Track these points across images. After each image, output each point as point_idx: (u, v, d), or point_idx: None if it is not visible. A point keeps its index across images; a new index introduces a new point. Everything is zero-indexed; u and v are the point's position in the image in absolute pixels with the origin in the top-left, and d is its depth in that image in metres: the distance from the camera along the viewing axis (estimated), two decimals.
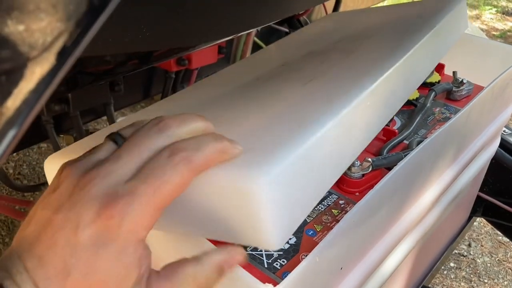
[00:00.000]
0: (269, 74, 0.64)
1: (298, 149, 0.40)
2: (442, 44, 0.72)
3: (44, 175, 1.75)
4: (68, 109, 0.82)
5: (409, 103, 0.79)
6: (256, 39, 1.11)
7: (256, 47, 1.13)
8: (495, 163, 0.93)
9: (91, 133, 0.59)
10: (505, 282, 1.43)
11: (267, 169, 0.36)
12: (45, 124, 0.83)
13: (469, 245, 1.56)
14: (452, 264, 1.48)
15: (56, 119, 0.85)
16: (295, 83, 0.57)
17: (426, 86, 0.83)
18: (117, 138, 0.33)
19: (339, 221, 0.53)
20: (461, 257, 1.52)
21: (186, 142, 0.32)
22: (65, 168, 0.32)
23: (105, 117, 0.94)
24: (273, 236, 0.36)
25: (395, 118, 0.76)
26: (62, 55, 0.16)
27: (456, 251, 1.51)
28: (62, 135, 1.15)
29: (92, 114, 0.95)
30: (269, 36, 1.19)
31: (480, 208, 1.02)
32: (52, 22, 0.16)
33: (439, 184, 0.68)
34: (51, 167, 0.50)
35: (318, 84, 0.55)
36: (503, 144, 0.94)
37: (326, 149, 0.44)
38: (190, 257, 0.33)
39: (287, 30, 1.12)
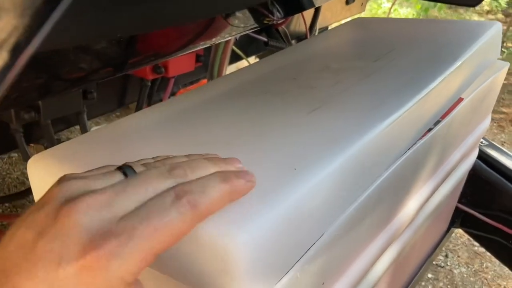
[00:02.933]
0: (276, 89, 0.60)
1: (286, 201, 0.37)
2: (469, 75, 0.69)
3: (14, 185, 1.70)
4: (38, 118, 0.78)
5: None
6: (234, 47, 1.09)
7: (234, 56, 1.11)
8: (473, 174, 0.93)
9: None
10: None
11: (245, 225, 0.34)
12: (13, 133, 0.79)
13: (446, 256, 1.56)
14: (430, 275, 1.48)
15: (26, 127, 0.82)
16: (299, 108, 0.53)
17: None
18: (127, 171, 0.30)
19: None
20: (439, 268, 1.52)
21: (192, 184, 0.30)
22: (63, 182, 0.28)
23: (77, 126, 0.91)
24: None
25: None
26: (15, 51, 0.14)
27: (433, 262, 1.52)
28: (32, 145, 1.11)
29: (64, 123, 0.92)
30: (247, 44, 1.18)
31: (458, 219, 1.02)
32: (5, 18, 0.14)
33: (420, 196, 0.68)
34: (35, 168, 0.47)
35: (323, 115, 0.51)
36: (481, 156, 0.94)
37: (319, 200, 0.41)
38: None
39: (265, 39, 1.11)
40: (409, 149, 0.56)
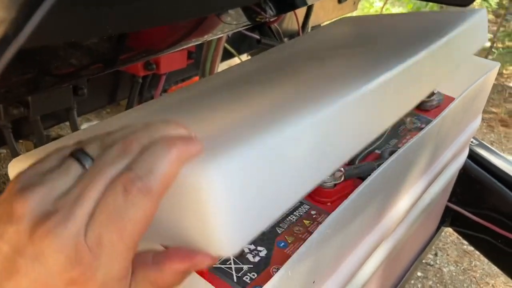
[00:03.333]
0: (259, 77, 0.60)
1: (265, 142, 0.36)
2: (452, 57, 0.68)
3: (3, 182, 1.68)
4: (27, 113, 0.77)
5: None
6: (226, 45, 1.09)
7: (226, 54, 1.11)
8: (464, 174, 0.93)
9: (53, 139, 0.55)
10: None
11: (220, 161, 0.32)
12: (2, 129, 0.78)
13: (436, 254, 1.57)
14: (419, 274, 1.49)
15: (14, 123, 0.81)
16: (284, 83, 0.54)
17: None
18: (83, 158, 0.29)
19: (311, 232, 0.51)
20: (428, 266, 1.53)
21: (137, 166, 0.28)
22: (21, 196, 0.27)
23: (68, 123, 0.90)
24: (226, 240, 0.32)
25: None
26: (2, 45, 0.13)
27: (423, 261, 1.52)
28: (21, 141, 1.10)
29: (54, 119, 0.91)
30: (240, 42, 1.17)
31: (448, 218, 1.03)
32: None
33: (411, 194, 0.68)
34: (17, 171, 0.46)
35: (307, 84, 0.52)
36: (471, 155, 0.95)
37: (301, 150, 0.40)
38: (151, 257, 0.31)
39: (258, 37, 1.11)
40: (400, 148, 0.56)
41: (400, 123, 0.77)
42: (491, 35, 3.80)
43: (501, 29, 3.89)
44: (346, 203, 0.47)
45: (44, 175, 0.28)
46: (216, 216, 0.31)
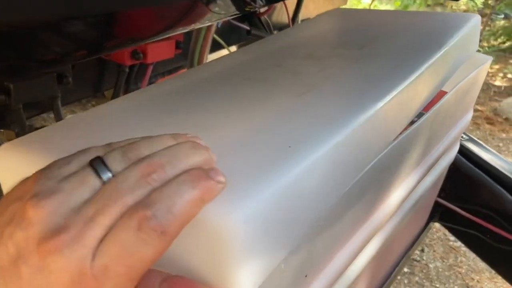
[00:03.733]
0: (261, 76, 0.58)
1: (282, 179, 0.35)
2: (450, 66, 0.68)
3: None
4: (9, 101, 0.74)
5: None
6: (216, 36, 1.07)
7: (215, 45, 1.09)
8: (454, 168, 0.93)
9: (36, 129, 0.53)
10: (455, 287, 1.45)
11: (241, 203, 0.31)
12: None
13: (422, 250, 1.58)
14: (406, 269, 1.49)
15: None
16: (289, 92, 0.52)
17: None
18: (101, 171, 0.28)
19: None
20: (415, 262, 1.53)
21: (156, 203, 0.27)
22: (37, 202, 0.26)
23: (52, 115, 0.87)
24: (243, 282, 0.32)
25: None
26: None
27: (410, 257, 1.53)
28: (2, 130, 1.07)
29: (37, 108, 0.88)
30: (229, 33, 1.15)
31: (437, 213, 1.03)
32: None
33: (402, 188, 0.67)
34: (4, 158, 0.44)
35: (314, 98, 0.50)
36: (461, 150, 0.94)
37: (314, 179, 0.39)
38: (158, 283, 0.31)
39: (248, 28, 1.09)
40: (392, 141, 0.55)
41: None
42: None
43: (487, 28, 3.93)
44: (337, 197, 0.46)
45: (61, 181, 0.27)
46: (236, 260, 0.31)
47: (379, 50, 0.65)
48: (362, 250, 0.60)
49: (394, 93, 0.51)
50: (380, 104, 0.49)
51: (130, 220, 0.26)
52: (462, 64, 0.72)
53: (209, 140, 0.39)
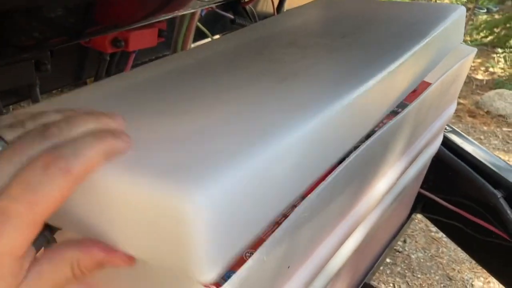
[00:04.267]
0: (241, 63, 0.56)
1: (251, 162, 0.34)
2: (433, 57, 0.68)
3: None
4: None
5: None
6: (199, 24, 1.05)
7: (199, 33, 1.07)
8: (437, 160, 0.93)
9: None
10: (437, 277, 1.47)
11: (206, 185, 0.29)
12: None
13: (404, 241, 1.59)
14: (388, 260, 1.50)
15: None
16: (268, 79, 0.50)
17: None
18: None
19: (286, 215, 0.49)
20: (397, 253, 1.54)
21: (63, 148, 0.29)
22: None
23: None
24: (206, 268, 0.30)
25: None
26: None
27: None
28: None
29: (14, 96, 0.86)
30: (213, 22, 1.14)
31: (420, 204, 1.03)
32: None
33: (386, 179, 0.67)
34: None
35: (292, 85, 0.49)
36: (445, 142, 0.95)
37: (288, 164, 0.38)
38: (74, 240, 0.32)
39: (232, 16, 1.08)
40: (376, 132, 0.55)
41: None
42: None
43: (470, 22, 3.96)
44: (322, 186, 0.45)
45: None
46: (198, 245, 0.29)
47: (363, 39, 0.64)
48: (345, 241, 0.60)
49: (373, 81, 0.50)
50: (358, 91, 0.48)
51: (36, 161, 0.28)
52: (446, 55, 0.72)
53: (181, 123, 0.39)
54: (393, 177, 0.69)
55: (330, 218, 0.54)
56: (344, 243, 0.60)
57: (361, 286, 0.84)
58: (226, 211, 0.31)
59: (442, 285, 1.44)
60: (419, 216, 1.62)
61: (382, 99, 0.56)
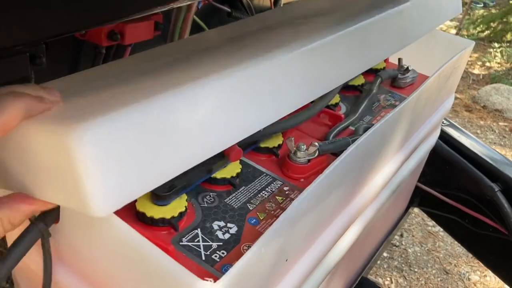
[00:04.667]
0: (223, 46, 0.56)
1: (142, 103, 0.36)
2: (414, 23, 0.67)
3: None
4: None
5: (354, 88, 0.76)
6: (196, 17, 1.04)
7: (195, 26, 1.06)
8: (434, 154, 0.93)
9: None
10: (433, 271, 1.47)
11: (90, 120, 0.33)
12: None
13: (401, 235, 1.59)
14: (385, 254, 1.50)
15: None
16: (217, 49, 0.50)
17: (370, 72, 0.81)
18: None
19: (284, 208, 0.48)
20: (394, 247, 1.54)
21: None
22: None
23: None
24: (95, 199, 0.33)
25: (340, 103, 0.73)
26: None
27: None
28: None
29: None
30: (210, 15, 1.13)
31: (417, 198, 1.03)
32: None
33: (384, 172, 0.66)
34: None
35: (239, 46, 0.48)
36: (442, 135, 0.94)
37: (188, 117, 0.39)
38: (3, 200, 0.35)
39: (228, 10, 1.07)
40: (374, 125, 0.54)
41: (374, 99, 0.75)
42: (457, 23, 3.86)
43: (466, 17, 3.96)
44: (320, 178, 0.45)
45: None
46: (83, 175, 0.32)
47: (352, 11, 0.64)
48: (343, 235, 0.60)
49: (343, 30, 0.52)
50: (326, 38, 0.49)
51: None
52: (434, 25, 0.71)
53: (111, 91, 0.40)
54: (391, 170, 0.69)
55: (328, 212, 0.54)
56: (342, 236, 0.59)
57: (358, 280, 0.84)
58: (110, 149, 0.33)
59: (439, 279, 1.44)
60: (416, 210, 1.62)
61: (355, 51, 0.57)
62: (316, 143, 0.57)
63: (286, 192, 0.54)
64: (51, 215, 0.42)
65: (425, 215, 1.68)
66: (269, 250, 0.40)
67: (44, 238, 0.42)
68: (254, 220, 0.49)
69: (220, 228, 0.48)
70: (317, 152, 0.57)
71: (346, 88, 0.76)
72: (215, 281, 0.33)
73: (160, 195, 0.46)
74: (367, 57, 0.60)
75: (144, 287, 0.38)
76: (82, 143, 0.31)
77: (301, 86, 0.50)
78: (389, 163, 0.69)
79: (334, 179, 0.49)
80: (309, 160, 0.57)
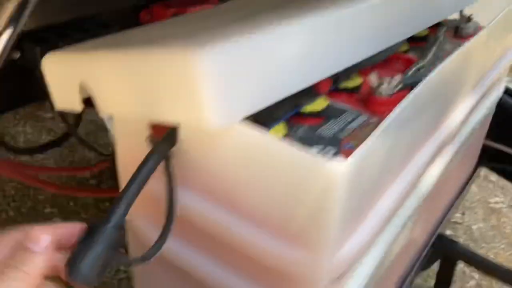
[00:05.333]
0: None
1: (257, 38, 0.41)
2: None
3: None
4: None
5: (420, 39, 0.78)
6: None
7: None
8: (499, 109, 0.92)
9: None
10: (502, 245, 1.44)
11: (208, 44, 0.37)
12: None
13: (463, 213, 1.57)
14: (448, 232, 1.48)
15: None
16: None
17: (432, 27, 0.82)
18: None
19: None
20: (457, 224, 1.52)
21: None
22: None
23: None
24: (210, 111, 0.37)
25: (409, 53, 0.75)
26: None
27: (451, 220, 1.52)
28: None
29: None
30: None
31: (485, 157, 1.02)
32: None
33: (460, 111, 0.67)
34: (50, 65, 0.51)
35: None
36: (507, 91, 0.94)
37: (290, 50, 0.44)
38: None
39: None
40: (448, 57, 0.56)
41: (441, 48, 0.76)
42: None
43: None
44: (400, 107, 0.46)
45: None
46: (201, 89, 0.37)
47: None
48: (429, 166, 0.61)
49: None
50: None
51: None
52: None
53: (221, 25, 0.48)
54: (465, 111, 0.70)
55: (418, 135, 0.55)
56: (429, 168, 0.61)
57: (436, 234, 0.84)
58: (225, 69, 0.38)
59: (508, 253, 1.41)
60: (475, 189, 1.60)
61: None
62: (399, 77, 0.59)
63: (374, 124, 0.56)
64: (171, 138, 0.44)
65: (486, 192, 1.65)
66: (383, 146, 0.42)
67: (168, 160, 0.44)
68: (350, 145, 0.51)
69: (319, 152, 0.50)
70: (401, 85, 0.58)
71: (412, 39, 0.77)
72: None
73: (260, 122, 0.49)
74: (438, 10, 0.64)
75: (274, 185, 0.41)
76: (203, 63, 0.36)
77: (380, 30, 0.56)
78: (466, 99, 0.69)
79: (423, 98, 0.51)
80: (392, 94, 0.58)
